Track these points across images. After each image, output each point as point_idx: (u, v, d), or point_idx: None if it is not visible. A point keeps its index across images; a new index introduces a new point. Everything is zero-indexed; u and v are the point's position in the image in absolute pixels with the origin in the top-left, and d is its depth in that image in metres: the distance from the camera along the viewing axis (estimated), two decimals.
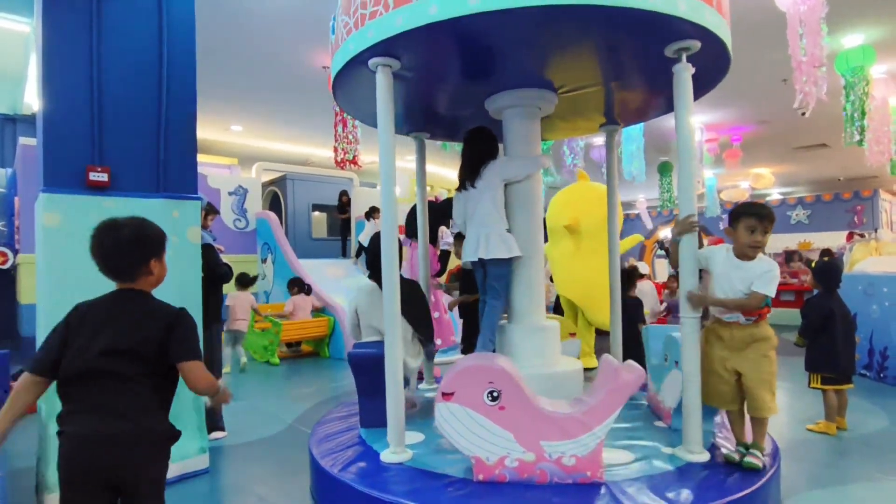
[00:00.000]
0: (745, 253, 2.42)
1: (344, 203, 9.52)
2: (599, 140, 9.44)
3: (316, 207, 10.34)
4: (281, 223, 9.46)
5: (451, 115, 3.67)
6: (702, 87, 3.08)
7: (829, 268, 3.81)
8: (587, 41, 2.53)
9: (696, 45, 2.43)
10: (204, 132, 9.15)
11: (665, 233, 16.33)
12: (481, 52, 2.60)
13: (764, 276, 2.36)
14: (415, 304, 3.23)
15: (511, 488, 2.24)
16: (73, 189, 2.69)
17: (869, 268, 5.69)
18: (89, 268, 2.17)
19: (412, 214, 4.25)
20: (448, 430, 2.29)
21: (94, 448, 1.46)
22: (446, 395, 2.28)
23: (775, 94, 7.22)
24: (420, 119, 3.71)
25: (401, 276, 2.73)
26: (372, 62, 2.49)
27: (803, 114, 5.41)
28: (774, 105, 7.75)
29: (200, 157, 10.62)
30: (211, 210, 4.64)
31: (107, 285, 2.75)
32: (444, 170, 12.94)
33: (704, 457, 2.44)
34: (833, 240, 11.91)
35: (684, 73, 2.52)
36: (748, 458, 2.36)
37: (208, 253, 3.40)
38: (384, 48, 2.39)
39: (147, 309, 1.64)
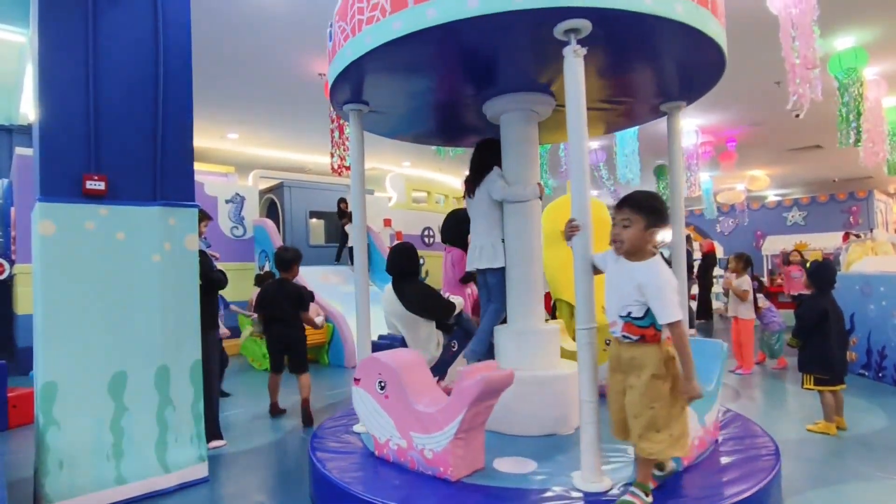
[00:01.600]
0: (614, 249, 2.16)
1: (343, 210, 9.55)
2: (595, 143, 9.47)
3: (313, 214, 10.34)
4: (278, 231, 9.46)
5: (449, 120, 3.69)
6: (697, 89, 3.12)
7: (822, 269, 3.82)
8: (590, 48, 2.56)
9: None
10: (200, 140, 9.17)
11: (662, 236, 16.36)
12: (479, 56, 2.62)
13: (650, 291, 1.97)
14: (423, 299, 3.71)
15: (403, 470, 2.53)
16: (70, 198, 2.69)
17: (865, 268, 5.72)
18: (85, 276, 2.20)
19: (449, 222, 4.29)
20: (359, 409, 2.76)
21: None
22: (356, 381, 2.73)
23: (769, 97, 7.27)
24: (418, 122, 3.72)
25: (419, 280, 2.94)
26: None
27: (797, 115, 5.46)
28: (768, 107, 7.80)
29: (197, 166, 10.62)
30: (204, 216, 4.63)
31: (101, 295, 2.75)
32: (441, 175, 12.97)
33: (604, 485, 2.16)
34: (829, 240, 11.97)
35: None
36: (623, 497, 2.02)
37: (202, 259, 3.40)
38: (382, 53, 2.38)
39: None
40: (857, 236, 8.50)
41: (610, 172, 9.50)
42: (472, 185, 3.36)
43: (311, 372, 6.14)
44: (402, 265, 3.83)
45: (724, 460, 2.54)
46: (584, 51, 2.20)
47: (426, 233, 10.69)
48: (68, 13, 2.74)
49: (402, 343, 3.86)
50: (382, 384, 2.58)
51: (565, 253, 5.91)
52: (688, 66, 2.80)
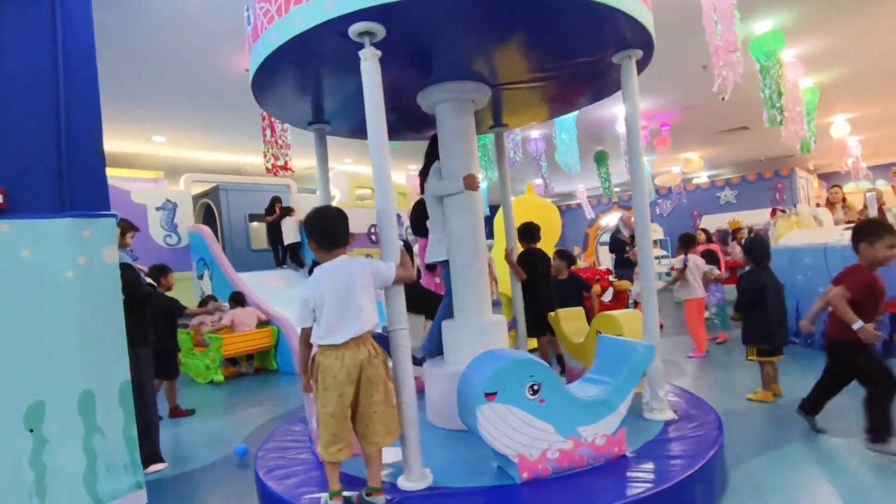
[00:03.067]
0: None
1: (276, 210, 9.26)
2: (536, 133, 9.57)
3: (253, 218, 9.95)
4: (217, 236, 9.05)
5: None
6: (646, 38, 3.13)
7: (756, 244, 3.97)
8: (524, 32, 2.52)
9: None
10: (122, 144, 8.61)
11: (606, 220, 16.84)
12: (415, 41, 2.52)
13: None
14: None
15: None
16: None
17: (791, 241, 6.03)
18: None
19: (413, 213, 4.21)
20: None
21: None
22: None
23: (697, 81, 7.53)
24: (342, 114, 3.59)
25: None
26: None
27: (723, 98, 5.66)
28: (697, 91, 8.08)
29: (122, 172, 9.99)
30: (129, 227, 4.35)
31: (8, 319, 2.48)
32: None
33: (425, 482, 2.26)
34: (759, 217, 12.64)
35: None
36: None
37: (127, 273, 3.16)
38: (366, 15, 2.18)
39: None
40: (783, 212, 8.97)
41: (549, 161, 9.64)
42: (422, 179, 3.43)
43: (260, 380, 5.94)
44: None
45: (672, 436, 2.59)
46: (378, 53, 2.23)
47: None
48: None
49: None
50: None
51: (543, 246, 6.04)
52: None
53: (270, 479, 2.53)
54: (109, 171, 3.00)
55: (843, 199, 8.21)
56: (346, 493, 2.18)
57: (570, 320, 3.87)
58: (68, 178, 2.69)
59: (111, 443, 2.75)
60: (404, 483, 2.27)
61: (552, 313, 4.02)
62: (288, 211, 9.24)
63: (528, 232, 4.52)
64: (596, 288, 7.01)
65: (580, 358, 3.56)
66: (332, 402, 2.08)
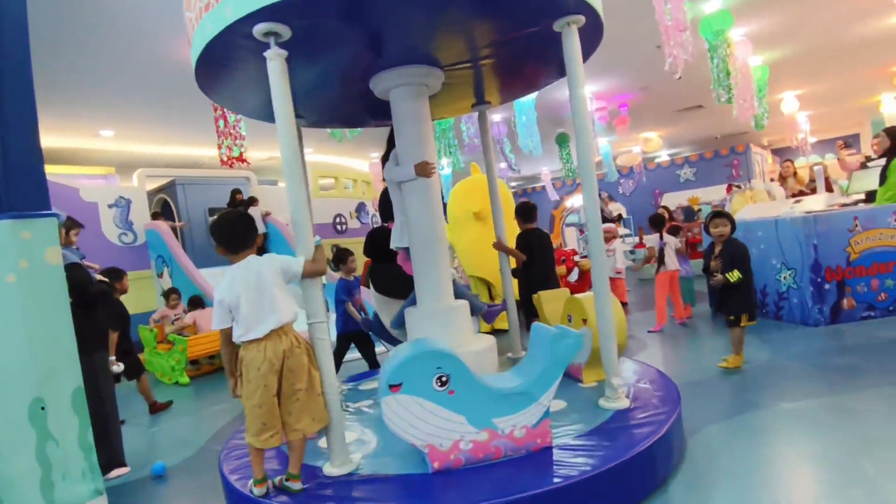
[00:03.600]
0: None
1: (237, 202, 9.05)
2: (497, 116, 9.57)
3: (213, 212, 9.70)
4: (175, 233, 8.79)
5: (334, 98, 3.50)
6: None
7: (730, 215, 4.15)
8: (471, 15, 2.49)
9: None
10: (68, 140, 8.22)
11: (571, 202, 17.07)
12: (367, 22, 2.46)
13: None
14: (387, 282, 4.14)
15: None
16: None
17: (746, 215, 6.22)
18: None
19: (381, 199, 4.12)
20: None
21: None
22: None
23: (652, 61, 7.63)
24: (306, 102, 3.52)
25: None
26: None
27: (679, 77, 5.77)
28: (652, 71, 8.20)
29: (68, 170, 9.56)
30: (73, 224, 4.17)
31: None
32: (348, 159, 12.61)
33: (347, 468, 2.35)
34: (717, 193, 13.01)
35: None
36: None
37: (75, 273, 3.04)
38: (264, 16, 2.18)
39: None
40: (738, 187, 9.26)
41: (513, 144, 9.67)
42: (384, 165, 3.48)
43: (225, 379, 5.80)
44: (371, 251, 4.33)
45: (633, 409, 2.65)
46: (285, 53, 2.28)
47: (338, 220, 10.39)
48: None
49: (377, 318, 4.13)
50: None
51: (474, 232, 6.08)
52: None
53: (235, 478, 2.49)
54: (54, 169, 2.88)
55: (794, 173, 8.53)
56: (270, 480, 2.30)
57: (551, 302, 3.78)
58: (3, 178, 2.54)
59: (66, 450, 2.66)
60: (328, 468, 2.34)
61: (535, 295, 3.91)
62: (252, 201, 9.07)
63: (527, 212, 4.42)
64: (561, 269, 7.12)
65: None
66: (257, 394, 2.14)
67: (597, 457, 2.19)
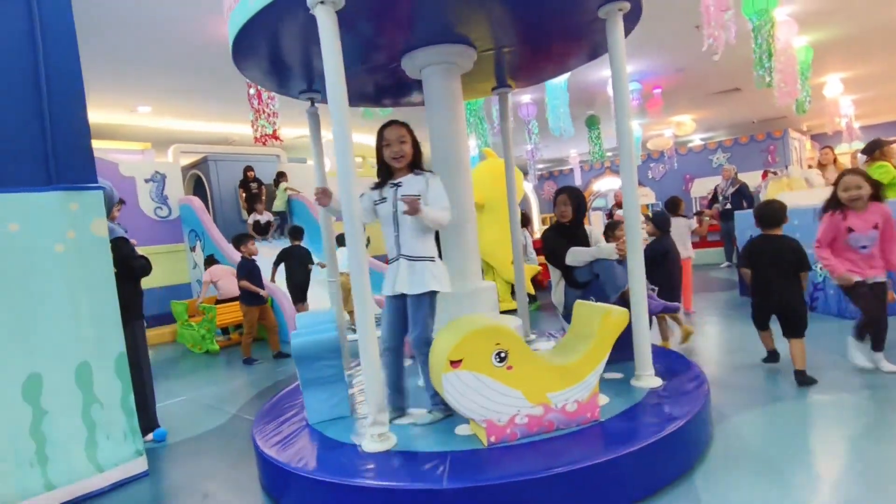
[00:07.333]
0: None
1: (249, 179, 9.27)
2: (527, 97, 9.45)
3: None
4: (207, 207, 8.99)
5: (363, 75, 3.50)
6: None
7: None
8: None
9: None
10: (107, 116, 8.43)
11: (598, 185, 16.81)
12: (386, 5, 2.46)
13: None
14: None
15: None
16: None
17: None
18: None
19: None
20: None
21: None
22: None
23: (690, 42, 7.40)
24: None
25: None
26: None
27: (716, 58, 5.59)
28: (689, 52, 7.96)
29: (108, 144, 9.80)
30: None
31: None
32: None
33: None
34: (751, 179, 12.64)
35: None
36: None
37: (121, 246, 3.16)
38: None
39: None
40: (775, 174, 9.00)
41: (541, 126, 9.55)
42: None
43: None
44: None
45: (662, 397, 2.65)
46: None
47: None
48: None
49: None
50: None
51: (488, 217, 6.10)
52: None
53: (267, 446, 2.58)
54: (95, 143, 2.96)
55: (835, 160, 8.22)
56: None
57: None
58: (53, 151, 2.65)
59: (110, 413, 2.81)
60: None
61: None
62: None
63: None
64: None
65: None
66: None
67: (645, 431, 2.25)
